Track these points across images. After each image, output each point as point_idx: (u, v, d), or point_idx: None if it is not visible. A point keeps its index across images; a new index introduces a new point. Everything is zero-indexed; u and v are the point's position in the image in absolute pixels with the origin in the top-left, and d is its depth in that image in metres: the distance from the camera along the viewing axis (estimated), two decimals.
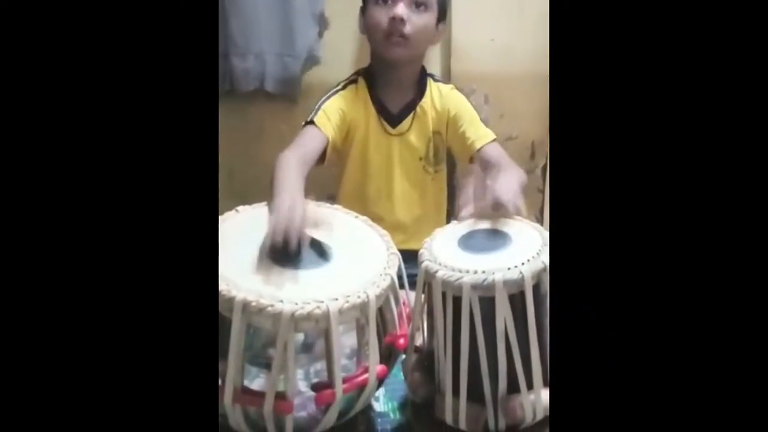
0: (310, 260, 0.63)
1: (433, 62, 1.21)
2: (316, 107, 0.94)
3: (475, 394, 0.64)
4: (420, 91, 1.00)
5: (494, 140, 0.98)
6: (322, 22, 1.15)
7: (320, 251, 0.65)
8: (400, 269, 0.68)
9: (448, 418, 0.65)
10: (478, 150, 0.96)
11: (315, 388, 0.60)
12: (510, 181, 0.75)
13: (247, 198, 0.83)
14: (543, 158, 1.27)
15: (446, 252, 0.67)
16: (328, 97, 0.96)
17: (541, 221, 1.31)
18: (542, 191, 1.29)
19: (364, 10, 0.97)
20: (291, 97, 1.17)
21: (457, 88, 1.17)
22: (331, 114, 0.93)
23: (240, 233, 0.67)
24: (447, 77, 1.22)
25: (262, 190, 0.78)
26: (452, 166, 1.21)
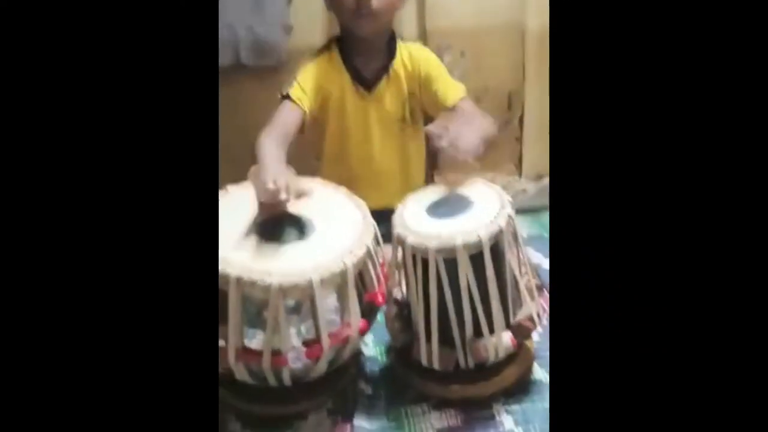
0: (294, 235, 0.72)
1: (408, 20, 1.22)
2: (291, 79, 0.97)
3: (446, 339, 0.75)
4: (390, 53, 1.02)
5: (465, 96, 1.02)
6: None
7: (302, 226, 0.73)
8: (376, 235, 0.76)
9: (424, 360, 0.76)
10: (451, 107, 1.01)
11: (305, 343, 0.70)
12: (472, 133, 0.81)
13: (238, 161, 0.87)
14: (519, 108, 1.31)
15: (415, 219, 0.76)
16: (302, 67, 0.99)
17: (519, 169, 1.38)
18: (520, 140, 1.34)
19: None
20: (268, 66, 1.18)
21: (432, 46, 1.21)
22: (306, 84, 0.96)
23: (230, 212, 0.74)
24: (423, 34, 1.24)
25: (251, 156, 0.84)
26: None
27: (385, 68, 1.02)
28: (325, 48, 1.02)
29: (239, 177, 0.83)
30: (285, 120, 0.92)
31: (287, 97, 0.95)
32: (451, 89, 1.02)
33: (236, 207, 0.75)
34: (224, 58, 1.14)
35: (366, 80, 1.02)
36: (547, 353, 0.70)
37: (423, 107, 1.07)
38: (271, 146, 0.85)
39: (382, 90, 1.03)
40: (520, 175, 1.35)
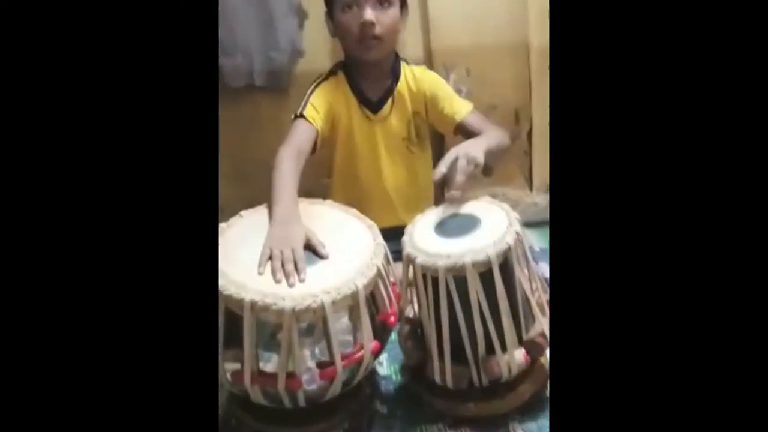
0: (306, 260, 0.73)
1: (413, 41, 1.24)
2: (304, 100, 1.00)
3: (459, 357, 0.75)
4: (395, 75, 1.05)
5: (473, 110, 1.05)
6: (301, 14, 1.20)
7: (313, 249, 0.74)
8: (387, 255, 0.77)
9: (437, 378, 0.77)
10: (460, 122, 1.03)
11: (319, 365, 0.71)
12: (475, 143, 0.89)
13: (250, 179, 0.86)
14: (527, 123, 1.32)
15: (424, 239, 0.77)
16: (314, 89, 1.02)
17: (530, 183, 1.38)
18: (529, 154, 1.35)
19: (330, 15, 1.01)
20: (280, 88, 1.22)
21: (438, 65, 1.23)
22: (319, 105, 1.00)
23: (244, 238, 0.76)
24: (428, 54, 1.27)
25: (263, 171, 0.87)
26: (440, 142, 1.28)
27: (389, 90, 1.05)
28: (332, 72, 1.05)
29: (251, 194, 0.84)
30: (300, 137, 0.95)
31: (301, 116, 0.97)
32: (457, 107, 1.05)
33: (250, 232, 0.77)
34: (238, 82, 1.19)
35: (371, 103, 1.05)
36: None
37: (432, 125, 1.10)
38: (287, 169, 0.86)
39: (387, 111, 1.05)
40: (530, 188, 1.35)
